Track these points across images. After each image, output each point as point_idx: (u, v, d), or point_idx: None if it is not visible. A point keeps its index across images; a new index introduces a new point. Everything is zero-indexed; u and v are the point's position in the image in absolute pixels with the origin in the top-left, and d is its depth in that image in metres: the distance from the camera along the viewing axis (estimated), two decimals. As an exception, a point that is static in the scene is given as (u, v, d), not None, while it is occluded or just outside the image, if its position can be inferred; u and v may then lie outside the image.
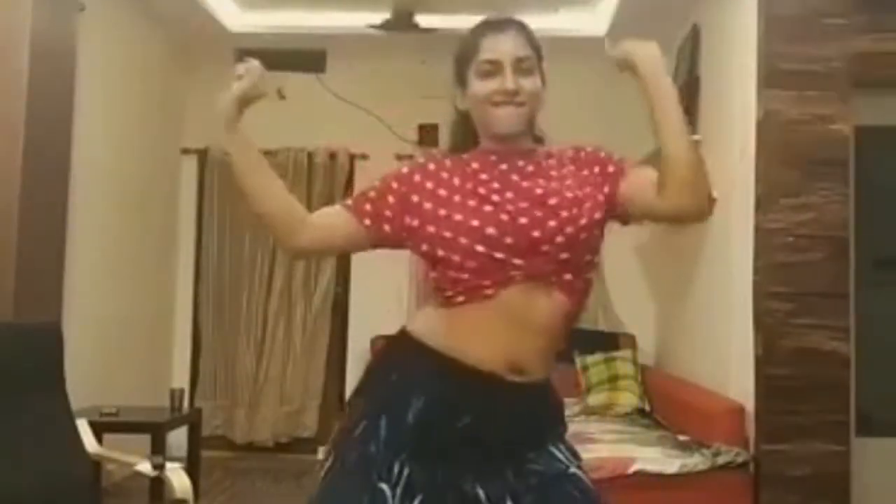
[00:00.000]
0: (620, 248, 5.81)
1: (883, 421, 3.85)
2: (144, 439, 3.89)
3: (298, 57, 5.95)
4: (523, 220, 1.55)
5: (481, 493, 1.54)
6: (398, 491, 1.52)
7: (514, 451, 1.59)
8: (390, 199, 1.66)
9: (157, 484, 3.31)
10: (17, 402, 2.71)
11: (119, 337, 5.05)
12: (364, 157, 5.99)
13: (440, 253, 1.56)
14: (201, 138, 6.01)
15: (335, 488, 1.59)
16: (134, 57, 5.28)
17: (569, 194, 1.60)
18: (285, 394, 5.90)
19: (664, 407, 4.71)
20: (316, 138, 5.96)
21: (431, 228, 1.58)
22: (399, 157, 5.70)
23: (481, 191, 1.60)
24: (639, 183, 1.65)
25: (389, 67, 5.82)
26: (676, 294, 5.24)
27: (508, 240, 1.54)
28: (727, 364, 4.07)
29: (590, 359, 5.21)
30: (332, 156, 5.98)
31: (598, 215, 1.61)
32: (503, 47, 1.65)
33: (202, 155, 6.05)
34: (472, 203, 1.58)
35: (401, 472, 1.53)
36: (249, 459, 5.69)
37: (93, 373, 4.34)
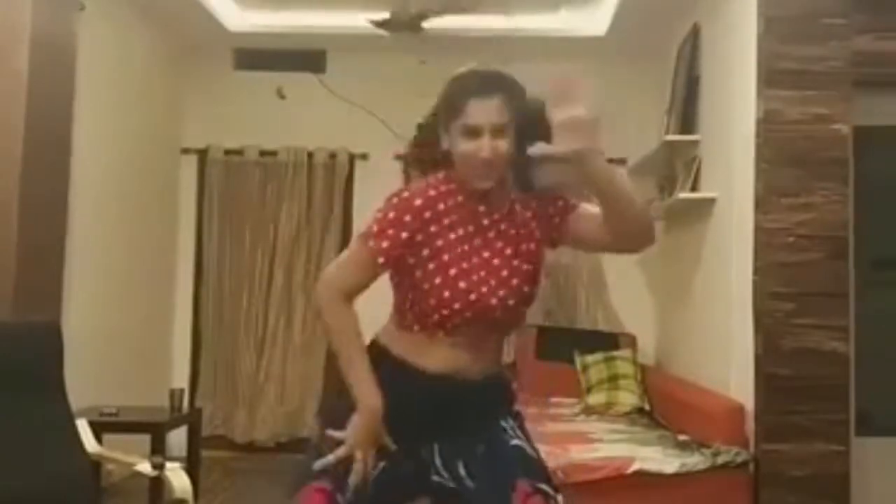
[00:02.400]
0: (620, 248, 5.81)
1: (883, 421, 3.84)
2: (144, 439, 3.89)
3: (298, 57, 5.95)
4: (485, 289, 1.86)
5: (438, 459, 1.88)
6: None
7: (466, 429, 1.91)
8: (403, 234, 1.85)
9: (157, 484, 3.31)
10: (17, 402, 2.70)
11: (119, 337, 5.05)
12: (364, 156, 5.99)
13: (424, 290, 1.85)
14: (201, 138, 6.01)
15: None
16: (134, 56, 5.28)
17: (525, 266, 1.91)
18: (285, 393, 5.89)
19: (664, 406, 4.71)
20: (316, 138, 5.95)
21: (428, 268, 1.85)
22: (398, 157, 5.69)
23: (467, 248, 1.88)
24: (586, 218, 1.93)
25: (389, 67, 5.82)
26: (676, 294, 5.24)
27: (473, 299, 1.85)
28: (727, 364, 4.07)
29: (590, 358, 5.21)
30: (332, 155, 5.98)
31: (542, 263, 1.97)
32: (485, 115, 1.84)
33: (202, 154, 6.05)
34: (464, 264, 1.86)
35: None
36: (249, 459, 5.69)
37: (92, 373, 4.34)
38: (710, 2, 4.58)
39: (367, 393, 1.84)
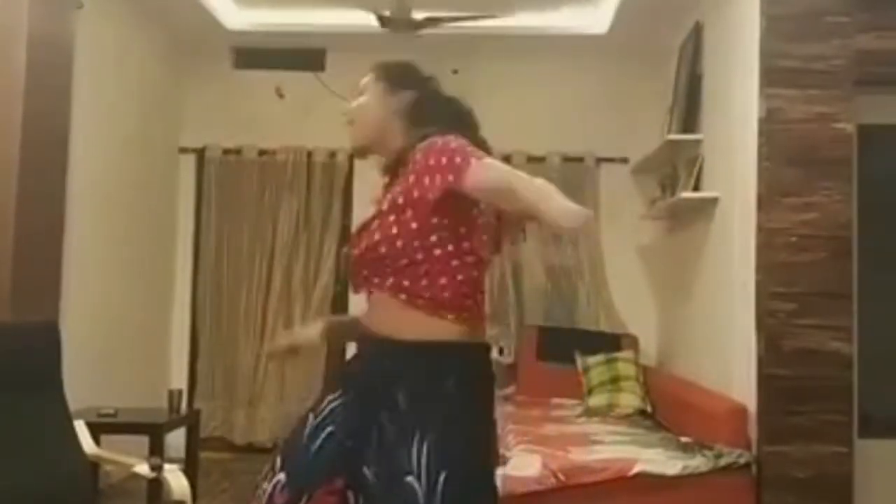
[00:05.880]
0: (622, 249, 5.80)
1: (885, 422, 3.82)
2: (142, 440, 3.87)
3: (297, 55, 5.93)
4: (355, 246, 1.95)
5: (368, 447, 1.84)
6: (318, 419, 1.89)
7: (373, 397, 1.85)
8: None
9: (155, 485, 3.29)
10: (15, 403, 2.69)
11: (117, 337, 5.03)
12: (364, 156, 5.97)
13: None
14: (199, 137, 6.00)
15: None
16: (132, 55, 5.26)
17: (377, 221, 1.90)
18: (284, 394, 5.87)
19: (666, 408, 4.69)
20: (315, 137, 5.93)
21: None
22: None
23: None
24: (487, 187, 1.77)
25: (389, 66, 5.79)
26: (678, 295, 5.22)
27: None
28: (729, 365, 4.05)
29: (591, 360, 5.19)
30: (332, 155, 5.96)
31: (400, 221, 1.86)
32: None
33: (200, 154, 6.03)
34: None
35: (328, 404, 1.91)
36: (248, 460, 5.66)
37: (91, 373, 4.31)
38: (712, 0, 4.56)
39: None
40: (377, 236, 1.88)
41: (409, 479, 1.73)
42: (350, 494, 1.83)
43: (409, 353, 1.84)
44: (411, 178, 1.85)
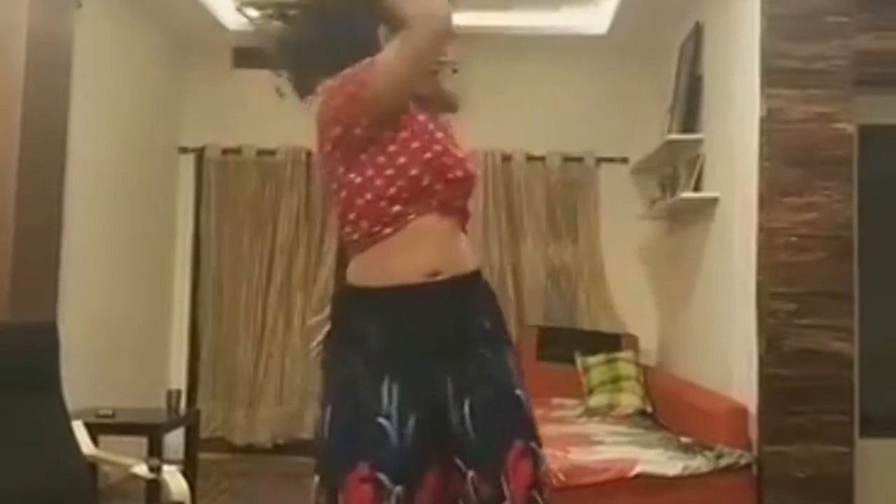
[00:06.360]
0: (623, 249, 5.79)
1: (886, 422, 3.82)
2: (141, 441, 3.85)
3: (297, 55, 5.92)
4: (451, 160, 1.90)
5: (451, 393, 1.82)
6: (394, 419, 1.76)
7: (462, 343, 1.84)
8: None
9: (154, 486, 3.28)
10: (13, 404, 2.69)
11: (116, 337, 5.02)
12: (363, 156, 5.95)
13: (388, 172, 1.87)
14: (199, 137, 5.98)
15: (341, 434, 1.79)
16: (131, 54, 5.25)
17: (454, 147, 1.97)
18: (284, 394, 5.86)
19: (666, 408, 4.68)
20: (314, 137, 5.91)
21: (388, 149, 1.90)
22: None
23: (429, 127, 1.94)
24: None
25: (389, 66, 5.78)
26: (679, 294, 5.21)
27: (448, 174, 1.88)
28: (730, 365, 4.04)
29: (591, 360, 5.18)
30: (332, 155, 5.94)
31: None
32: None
33: (200, 154, 6.02)
34: (427, 136, 1.91)
35: (390, 397, 1.78)
36: (248, 461, 5.66)
37: (89, 373, 4.31)
38: (712, 0, 4.56)
39: None
40: (469, 160, 1.97)
41: (518, 392, 1.86)
42: (454, 458, 1.82)
43: (478, 279, 1.95)
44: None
